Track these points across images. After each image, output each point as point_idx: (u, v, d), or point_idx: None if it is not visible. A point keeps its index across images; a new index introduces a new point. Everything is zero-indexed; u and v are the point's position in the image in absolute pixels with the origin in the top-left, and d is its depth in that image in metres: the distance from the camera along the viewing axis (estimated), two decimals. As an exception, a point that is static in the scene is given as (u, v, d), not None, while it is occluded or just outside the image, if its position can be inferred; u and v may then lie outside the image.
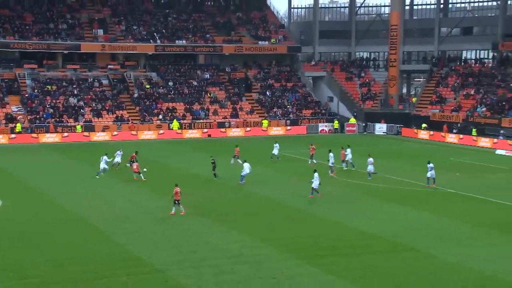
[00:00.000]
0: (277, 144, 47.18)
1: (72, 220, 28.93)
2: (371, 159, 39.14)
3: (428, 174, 36.30)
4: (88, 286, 20.51)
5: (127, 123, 63.51)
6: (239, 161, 41.86)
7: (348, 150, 42.67)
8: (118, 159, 42.45)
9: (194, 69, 74.53)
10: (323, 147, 46.33)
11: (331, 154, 40.94)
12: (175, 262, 22.85)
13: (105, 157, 39.71)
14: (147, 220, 28.88)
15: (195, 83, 71.90)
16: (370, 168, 38.91)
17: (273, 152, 46.71)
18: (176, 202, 29.61)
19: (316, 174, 33.50)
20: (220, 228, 27.45)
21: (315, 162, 44.28)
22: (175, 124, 63.96)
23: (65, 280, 20.93)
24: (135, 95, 68.27)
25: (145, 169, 39.15)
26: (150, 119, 65.02)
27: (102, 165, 39.38)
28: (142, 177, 38.00)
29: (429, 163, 36.58)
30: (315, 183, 33.20)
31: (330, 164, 40.68)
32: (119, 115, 64.58)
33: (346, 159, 42.49)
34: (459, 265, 22.39)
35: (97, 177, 38.78)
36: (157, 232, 26.84)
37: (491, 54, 74.12)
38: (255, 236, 26.13)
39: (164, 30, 74.46)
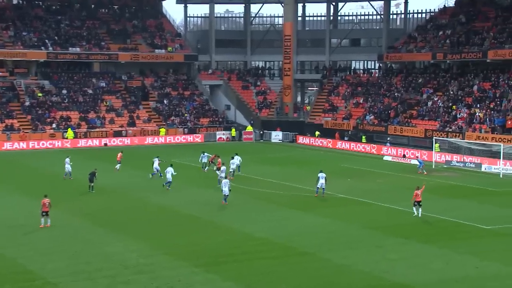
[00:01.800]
0: (205, 154, 46.04)
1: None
2: (224, 168, 39.49)
3: (319, 184, 36.12)
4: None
5: (18, 133, 60.89)
6: (118, 166, 44.91)
7: (236, 157, 43.47)
8: (68, 167, 41.22)
9: (89, 77, 72.75)
10: (223, 155, 46.39)
11: (232, 161, 42.38)
12: (69, 273, 22.20)
13: (171, 169, 38.06)
14: (39, 231, 27.85)
15: (90, 91, 70.21)
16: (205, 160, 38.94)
17: (203, 161, 45.65)
18: (44, 213, 28.54)
19: (225, 181, 33.89)
20: (117, 237, 26.98)
21: (207, 169, 44.80)
22: (69, 133, 62.13)
23: None
24: (26, 103, 65.66)
25: (161, 174, 40.37)
26: (43, 128, 62.71)
27: (169, 176, 37.97)
28: None
29: (321, 171, 36.80)
30: (225, 189, 33.51)
31: (230, 170, 41.75)
32: (9, 124, 61.81)
33: (232, 166, 42.59)
34: (350, 267, 23.25)
35: (169, 189, 37.59)
36: (50, 243, 25.97)
37: (377, 65, 77.65)
38: (152, 244, 25.90)
39: (56, 37, 72.10)
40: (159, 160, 42.74)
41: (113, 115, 67.46)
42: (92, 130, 64.21)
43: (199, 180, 41.66)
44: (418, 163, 47.42)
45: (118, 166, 45.06)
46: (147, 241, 26.48)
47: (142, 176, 43.65)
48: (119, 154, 46.28)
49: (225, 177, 34.93)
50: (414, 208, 31.46)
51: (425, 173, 45.79)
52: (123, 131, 64.99)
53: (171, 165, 39.02)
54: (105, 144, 62.35)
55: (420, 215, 31.23)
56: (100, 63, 74.63)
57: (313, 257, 24.46)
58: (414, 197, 31.46)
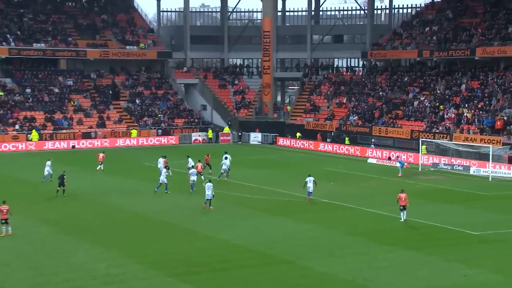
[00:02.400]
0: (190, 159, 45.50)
1: None
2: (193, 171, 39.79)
3: (307, 188, 36.57)
4: None
5: (-22, 134, 60.28)
6: (102, 167, 46.54)
7: (227, 157, 44.55)
8: (48, 169, 41.37)
9: (55, 74, 72.18)
10: (200, 157, 46.23)
11: (224, 161, 43.48)
12: (33, 285, 21.99)
13: (164, 170, 39.32)
14: (0, 240, 27.51)
15: (56, 90, 69.66)
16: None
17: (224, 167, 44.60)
18: (3, 221, 28.11)
19: (209, 184, 33.98)
20: (85, 246, 26.79)
21: (210, 172, 45.09)
22: (34, 135, 61.54)
23: None
24: (-13, 103, 64.99)
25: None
26: (5, 129, 62.05)
27: (163, 179, 38.34)
28: None
29: (309, 175, 36.99)
30: (208, 193, 33.66)
31: (222, 171, 43.06)
32: (-31, 125, 61.13)
33: (223, 167, 43.56)
34: (333, 276, 23.33)
35: (167, 191, 38.36)
36: (12, 253, 25.68)
37: (361, 62, 78.12)
38: (124, 253, 25.77)
39: (19, 32, 71.41)
40: (164, 161, 43.23)
41: (81, 116, 66.98)
42: (59, 131, 63.67)
43: (174, 185, 41.45)
44: (399, 164, 47.82)
45: (101, 166, 46.57)
46: (118, 249, 26.32)
47: (113, 180, 43.43)
48: (101, 155, 47.23)
49: (209, 180, 35.01)
50: (401, 213, 31.75)
51: (399, 174, 46.24)
52: (92, 133, 64.56)
53: (166, 167, 40.17)
54: (73, 147, 61.89)
55: (404, 219, 31.53)
56: (67, 60, 74.03)
57: (294, 265, 24.51)
58: (398, 200, 31.76)
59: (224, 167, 43.30)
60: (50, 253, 25.81)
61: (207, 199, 33.85)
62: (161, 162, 43.21)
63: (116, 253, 25.76)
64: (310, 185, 36.41)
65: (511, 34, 61.55)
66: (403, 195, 31.65)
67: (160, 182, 38.40)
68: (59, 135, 63.13)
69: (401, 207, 31.69)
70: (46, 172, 41.54)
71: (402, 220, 31.61)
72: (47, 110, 66.28)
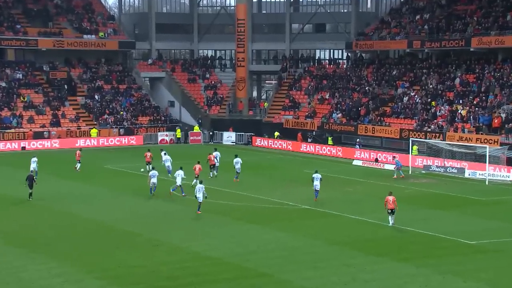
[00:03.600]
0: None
1: None
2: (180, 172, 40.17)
3: (314, 186, 37.77)
4: None
5: None
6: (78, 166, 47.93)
7: (216, 153, 46.67)
8: (34, 166, 42.16)
9: (2, 66, 71.61)
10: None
11: (236, 160, 45.24)
12: (-21, 304, 21.79)
13: (181, 172, 39.12)
14: None
15: (3, 84, 69.15)
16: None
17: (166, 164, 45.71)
18: None
19: (200, 186, 34.58)
20: (38, 260, 26.63)
21: (216, 174, 45.98)
22: (-21, 134, 61.02)
23: None
24: None
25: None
26: None
27: (179, 180, 38.66)
28: None
29: (316, 172, 38.06)
30: (199, 195, 34.26)
31: (237, 170, 45.15)
32: None
33: (236, 166, 45.27)
34: (315, 290, 23.50)
35: (184, 194, 38.78)
36: (-45, 269, 25.40)
37: (345, 54, 78.55)
38: (81, 267, 25.65)
39: (-40, 19, 70.72)
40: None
41: (32, 113, 66.52)
42: (6, 131, 63.08)
43: (137, 189, 41.33)
44: (396, 164, 48.03)
45: (78, 165, 47.88)
46: (74, 263, 26.18)
47: (70, 185, 43.20)
48: (78, 152, 48.42)
49: (200, 182, 35.51)
50: (389, 218, 32.11)
51: (395, 176, 46.88)
52: (45, 132, 64.10)
53: (181, 168, 39.73)
54: (23, 148, 61.38)
55: (392, 223, 31.92)
56: (16, 51, 73.47)
57: (272, 278, 24.60)
58: (385, 204, 32.10)
59: (237, 166, 44.80)
60: (-3, 267, 25.57)
61: (200, 202, 34.52)
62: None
63: (73, 268, 25.61)
64: (317, 183, 37.44)
65: (510, 22, 62.33)
66: (390, 198, 32.04)
67: (177, 184, 38.91)
68: (7, 134, 62.51)
69: (389, 211, 32.06)
70: (32, 169, 42.09)
71: (390, 224, 31.98)
72: (-7, 107, 65.78)
